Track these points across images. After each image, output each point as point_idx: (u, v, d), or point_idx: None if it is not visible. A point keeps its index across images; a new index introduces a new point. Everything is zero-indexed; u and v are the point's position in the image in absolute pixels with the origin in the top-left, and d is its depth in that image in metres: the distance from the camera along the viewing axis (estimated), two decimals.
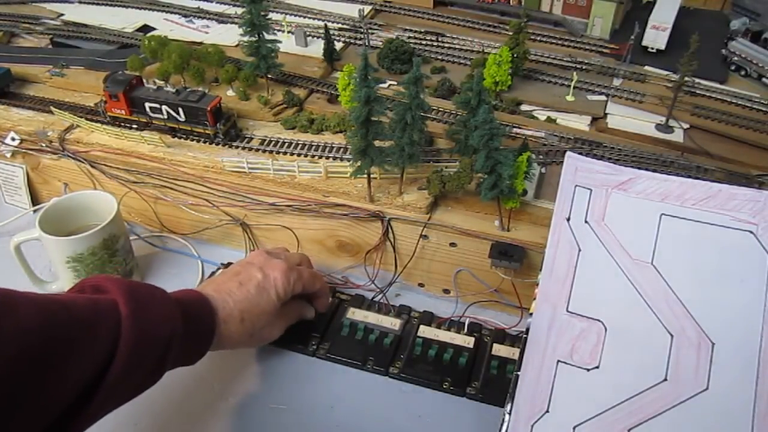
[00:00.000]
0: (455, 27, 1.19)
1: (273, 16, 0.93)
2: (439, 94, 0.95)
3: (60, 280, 0.78)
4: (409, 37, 1.12)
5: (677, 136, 0.88)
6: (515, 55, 0.93)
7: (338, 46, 1.07)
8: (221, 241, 0.87)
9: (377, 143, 0.71)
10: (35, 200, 0.96)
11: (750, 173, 0.81)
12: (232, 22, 1.19)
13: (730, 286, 0.56)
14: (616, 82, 1.00)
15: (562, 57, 1.06)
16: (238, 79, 0.95)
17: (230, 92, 0.96)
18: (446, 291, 0.79)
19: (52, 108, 0.92)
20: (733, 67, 1.06)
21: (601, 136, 0.88)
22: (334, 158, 0.83)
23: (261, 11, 0.87)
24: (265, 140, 0.87)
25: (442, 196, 0.76)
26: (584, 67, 1.03)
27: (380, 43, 1.06)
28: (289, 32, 1.13)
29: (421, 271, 0.79)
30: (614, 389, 0.55)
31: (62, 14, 1.24)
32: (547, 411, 0.55)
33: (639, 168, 0.64)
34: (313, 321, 0.73)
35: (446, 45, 1.11)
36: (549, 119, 0.91)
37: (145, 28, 1.19)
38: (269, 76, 0.95)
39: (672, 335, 0.56)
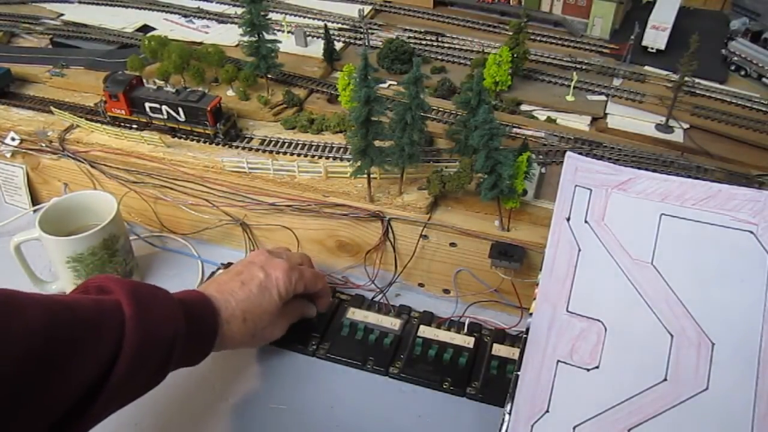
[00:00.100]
0: (455, 27, 1.19)
1: (273, 16, 0.93)
2: (439, 94, 0.95)
3: (60, 280, 0.78)
4: (409, 37, 1.12)
5: (677, 136, 0.88)
6: (515, 55, 0.93)
7: (338, 46, 1.07)
8: (221, 241, 0.87)
9: (377, 143, 0.71)
10: (35, 200, 0.96)
11: (750, 173, 0.81)
12: (232, 22, 1.19)
13: (730, 286, 0.56)
14: (616, 82, 1.00)
15: (562, 57, 1.06)
16: (238, 79, 0.95)
17: (230, 92, 0.96)
18: (446, 291, 0.79)
19: (52, 108, 0.92)
20: (733, 67, 1.06)
21: (601, 136, 0.88)
22: (334, 158, 0.83)
23: (261, 11, 0.87)
24: (265, 140, 0.87)
25: (442, 196, 0.76)
26: (584, 67, 1.03)
27: (380, 43, 1.06)
28: (289, 32, 1.13)
29: (421, 271, 0.79)
30: (614, 389, 0.55)
31: (62, 14, 1.24)
32: (547, 411, 0.55)
33: (639, 168, 0.64)
34: (313, 321, 0.73)
35: (446, 45, 1.11)
36: (549, 119, 0.91)
37: (145, 28, 1.19)
38: (269, 76, 0.95)
39: (672, 335, 0.56)
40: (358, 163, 0.72)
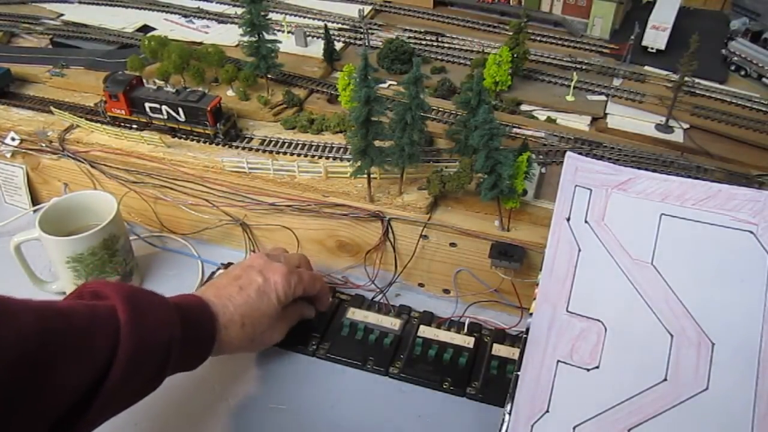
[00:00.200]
0: (455, 27, 1.19)
1: (273, 16, 0.93)
2: (439, 94, 0.95)
3: (60, 280, 0.78)
4: (409, 37, 1.12)
5: (677, 136, 0.88)
6: (515, 55, 0.93)
7: (338, 46, 1.07)
8: (221, 241, 0.87)
9: (377, 143, 0.71)
10: (35, 200, 0.96)
11: (750, 173, 0.81)
12: (232, 22, 1.19)
13: (730, 286, 0.56)
14: (616, 82, 1.00)
15: (562, 57, 1.06)
16: (238, 79, 0.95)
17: (230, 92, 0.96)
18: (446, 291, 0.79)
19: (52, 108, 0.92)
20: (733, 67, 1.06)
21: (601, 136, 0.88)
22: (334, 158, 0.83)
23: (261, 11, 0.87)
24: (265, 140, 0.87)
25: (442, 196, 0.76)
26: (584, 67, 1.03)
27: (380, 43, 1.06)
28: (289, 32, 1.13)
29: (421, 271, 0.79)
30: (614, 389, 0.55)
31: (62, 14, 1.24)
32: (547, 411, 0.55)
33: (639, 168, 0.64)
34: (313, 321, 0.73)
35: (446, 45, 1.11)
36: (549, 119, 0.91)
37: (145, 28, 1.19)
38: (269, 76, 0.95)
39: (672, 335, 0.56)
40: (358, 163, 0.72)
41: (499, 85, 0.92)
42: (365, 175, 0.74)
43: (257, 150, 0.85)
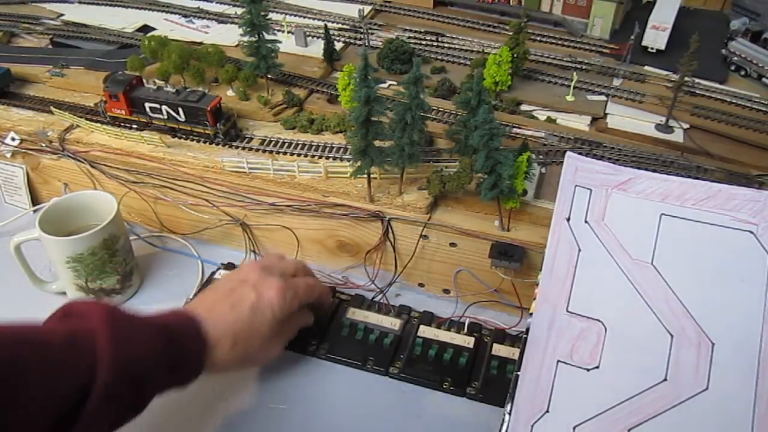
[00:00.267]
0: (455, 27, 1.19)
1: (273, 16, 0.93)
2: (439, 94, 0.95)
3: (60, 280, 0.79)
4: (409, 37, 1.12)
5: (677, 136, 0.88)
6: (515, 55, 0.93)
7: (338, 46, 1.07)
8: (221, 241, 0.87)
9: (377, 143, 0.71)
10: (35, 200, 0.96)
11: (750, 173, 0.81)
12: (232, 22, 1.19)
13: (730, 286, 0.57)
14: (616, 82, 1.00)
15: (562, 57, 1.06)
16: (238, 79, 0.95)
17: (230, 92, 0.96)
18: (446, 291, 0.79)
19: (52, 108, 0.92)
20: (733, 67, 1.06)
21: (601, 136, 0.88)
22: (334, 158, 0.83)
23: (261, 11, 0.87)
24: (265, 140, 0.87)
25: (442, 196, 0.76)
26: (584, 67, 1.03)
27: (380, 43, 1.06)
28: (289, 32, 1.13)
29: (421, 271, 0.79)
30: (614, 389, 0.55)
31: (62, 14, 1.24)
32: (547, 411, 0.55)
33: (639, 168, 0.64)
34: (313, 321, 0.73)
35: (446, 45, 1.11)
36: (549, 119, 0.91)
37: (145, 28, 1.19)
38: (269, 76, 0.95)
39: (672, 335, 0.56)
40: (358, 163, 0.72)
41: (499, 85, 0.92)
42: (365, 175, 0.74)
43: (257, 150, 0.85)
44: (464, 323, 0.74)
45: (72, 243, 0.72)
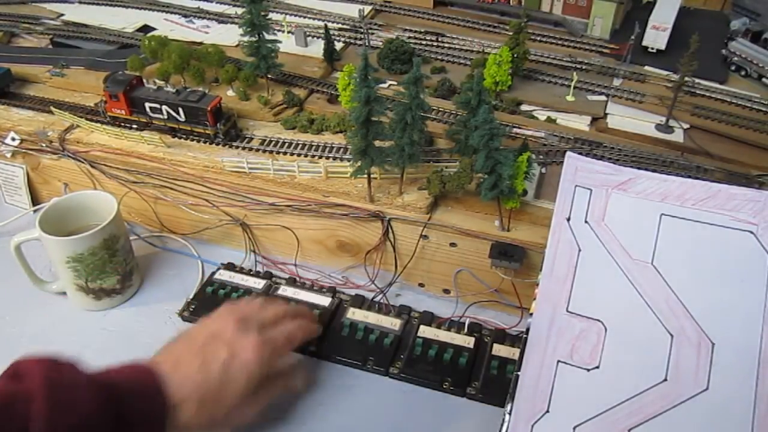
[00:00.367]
0: (455, 27, 1.19)
1: (273, 16, 0.93)
2: (439, 94, 0.96)
3: (60, 280, 0.78)
4: (409, 37, 1.12)
5: (677, 136, 0.88)
6: (515, 55, 0.93)
7: (338, 46, 1.07)
8: (221, 241, 0.87)
9: (377, 143, 0.71)
10: (35, 200, 0.96)
11: (750, 173, 0.81)
12: (232, 22, 1.19)
13: (730, 286, 0.57)
14: (616, 82, 1.00)
15: (562, 57, 1.06)
16: (238, 79, 0.95)
17: (230, 92, 0.96)
18: (446, 291, 0.79)
19: (52, 108, 0.92)
20: (733, 67, 1.06)
21: (601, 136, 0.88)
22: (334, 158, 0.83)
23: (261, 11, 0.87)
24: (265, 140, 0.87)
25: (442, 196, 0.76)
26: (584, 67, 1.04)
27: (380, 43, 1.06)
28: (289, 32, 1.13)
29: (421, 271, 0.79)
30: (614, 389, 0.55)
31: (62, 14, 1.24)
32: (547, 411, 0.55)
33: (639, 168, 0.64)
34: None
35: (446, 45, 1.11)
36: (549, 119, 0.91)
37: (145, 28, 1.19)
38: (269, 76, 0.95)
39: (672, 335, 0.56)
40: (358, 163, 0.72)
41: (499, 85, 0.92)
42: (365, 175, 0.74)
43: (257, 150, 0.85)
44: (464, 323, 0.74)
45: (72, 243, 0.72)
